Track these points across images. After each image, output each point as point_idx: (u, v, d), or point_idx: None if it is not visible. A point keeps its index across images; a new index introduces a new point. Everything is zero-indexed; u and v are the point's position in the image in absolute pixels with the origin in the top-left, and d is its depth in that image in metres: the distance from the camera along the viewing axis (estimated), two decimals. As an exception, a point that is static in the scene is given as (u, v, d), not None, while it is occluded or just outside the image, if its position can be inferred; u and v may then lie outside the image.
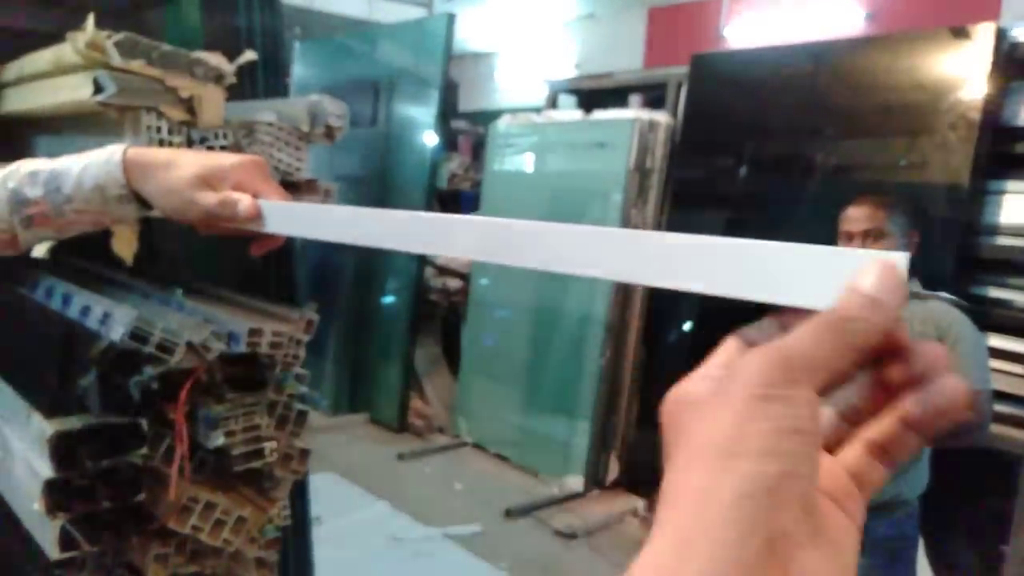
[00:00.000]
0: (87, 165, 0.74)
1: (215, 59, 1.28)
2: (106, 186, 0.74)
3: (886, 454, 0.32)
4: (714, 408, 0.29)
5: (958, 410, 0.30)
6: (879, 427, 0.32)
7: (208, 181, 0.72)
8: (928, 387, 0.30)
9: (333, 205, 0.67)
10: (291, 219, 0.73)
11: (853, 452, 0.33)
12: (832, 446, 0.33)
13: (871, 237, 1.84)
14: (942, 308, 1.86)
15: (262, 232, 0.74)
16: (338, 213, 0.70)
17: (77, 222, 0.78)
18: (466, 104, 7.52)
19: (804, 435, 0.27)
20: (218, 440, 1.42)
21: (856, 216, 1.87)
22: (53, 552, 1.31)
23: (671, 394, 0.32)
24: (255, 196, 0.73)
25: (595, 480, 4.09)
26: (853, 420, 0.34)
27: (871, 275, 0.30)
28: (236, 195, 0.72)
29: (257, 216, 0.72)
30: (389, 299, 4.96)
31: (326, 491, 3.84)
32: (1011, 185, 2.79)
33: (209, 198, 0.71)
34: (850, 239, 1.87)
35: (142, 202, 0.76)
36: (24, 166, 0.78)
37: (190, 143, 1.28)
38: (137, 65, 1.19)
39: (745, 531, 0.25)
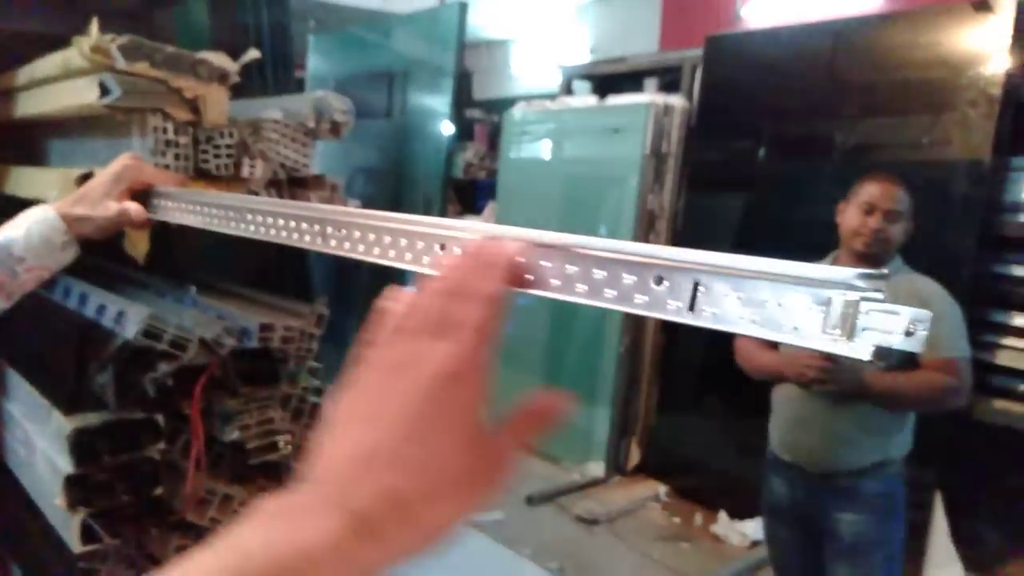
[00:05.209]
0: (29, 226, 0.87)
1: (218, 59, 1.29)
2: (51, 238, 0.87)
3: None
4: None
5: (548, 420, 0.48)
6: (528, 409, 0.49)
7: (109, 195, 0.88)
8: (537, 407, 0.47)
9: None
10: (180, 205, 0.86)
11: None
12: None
13: (890, 217, 1.86)
14: (924, 283, 1.91)
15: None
16: (227, 200, 0.80)
17: (27, 283, 0.89)
18: (481, 92, 7.49)
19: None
20: (233, 434, 1.45)
21: (885, 194, 1.86)
22: (76, 545, 1.35)
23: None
24: (149, 187, 0.90)
25: (616, 466, 4.10)
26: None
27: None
28: (127, 205, 0.88)
29: (147, 220, 0.90)
30: (409, 288, 4.97)
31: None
32: (1033, 162, 2.73)
33: (109, 210, 0.88)
34: (869, 213, 1.87)
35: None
36: None
37: (196, 142, 1.29)
38: (141, 67, 1.20)
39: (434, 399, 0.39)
